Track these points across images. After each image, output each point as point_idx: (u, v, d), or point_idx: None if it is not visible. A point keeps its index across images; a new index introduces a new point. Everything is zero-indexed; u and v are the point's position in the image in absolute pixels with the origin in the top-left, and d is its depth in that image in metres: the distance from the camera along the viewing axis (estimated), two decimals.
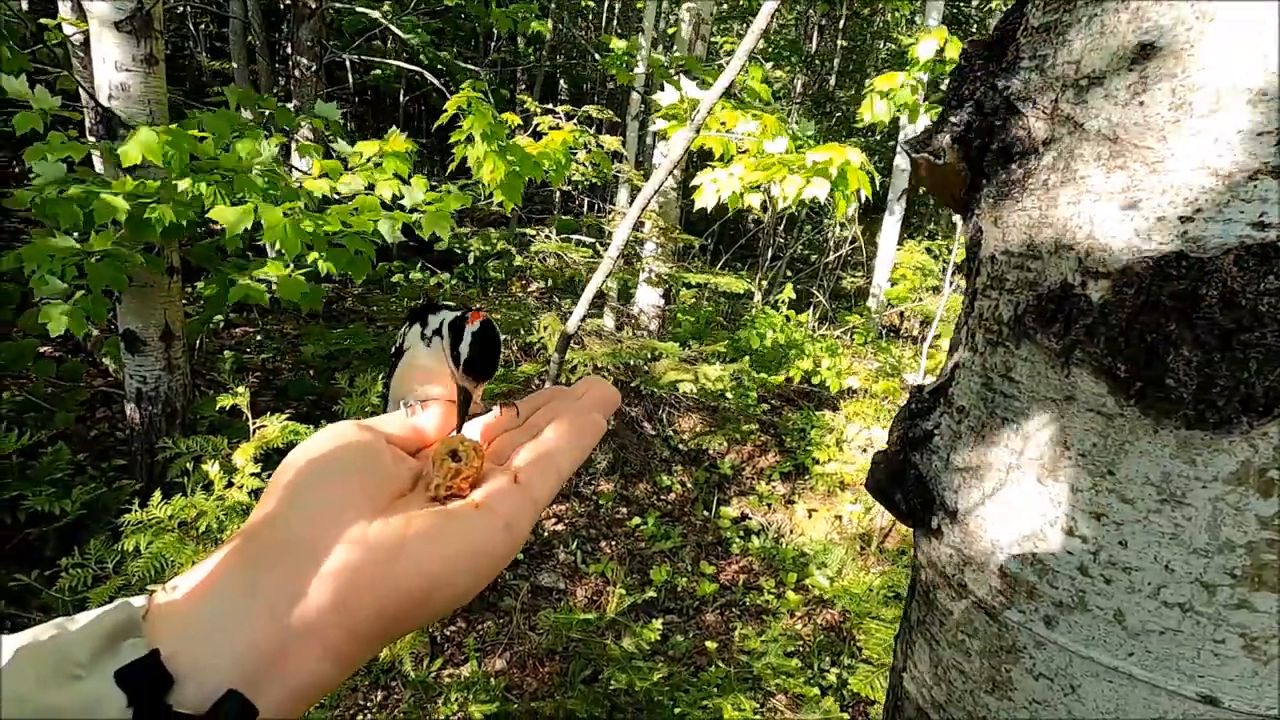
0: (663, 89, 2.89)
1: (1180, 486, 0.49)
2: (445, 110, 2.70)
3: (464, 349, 0.49)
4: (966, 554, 0.62)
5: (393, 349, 0.59)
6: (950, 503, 0.64)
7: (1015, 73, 0.59)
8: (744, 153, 2.73)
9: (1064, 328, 0.53)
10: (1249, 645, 0.49)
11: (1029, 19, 0.59)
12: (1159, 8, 0.48)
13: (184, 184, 2.17)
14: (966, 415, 0.63)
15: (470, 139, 2.62)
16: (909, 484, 0.68)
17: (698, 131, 2.79)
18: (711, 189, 2.70)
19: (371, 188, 2.57)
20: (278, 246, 2.16)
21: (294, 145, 3.43)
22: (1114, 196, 0.51)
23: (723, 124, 2.76)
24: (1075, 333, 0.52)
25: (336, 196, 2.58)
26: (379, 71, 7.12)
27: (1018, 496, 0.58)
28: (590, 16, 10.60)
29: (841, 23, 10.01)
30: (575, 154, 3.01)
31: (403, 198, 2.58)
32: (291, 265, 2.53)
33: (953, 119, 0.63)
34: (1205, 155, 0.46)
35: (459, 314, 0.52)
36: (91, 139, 2.68)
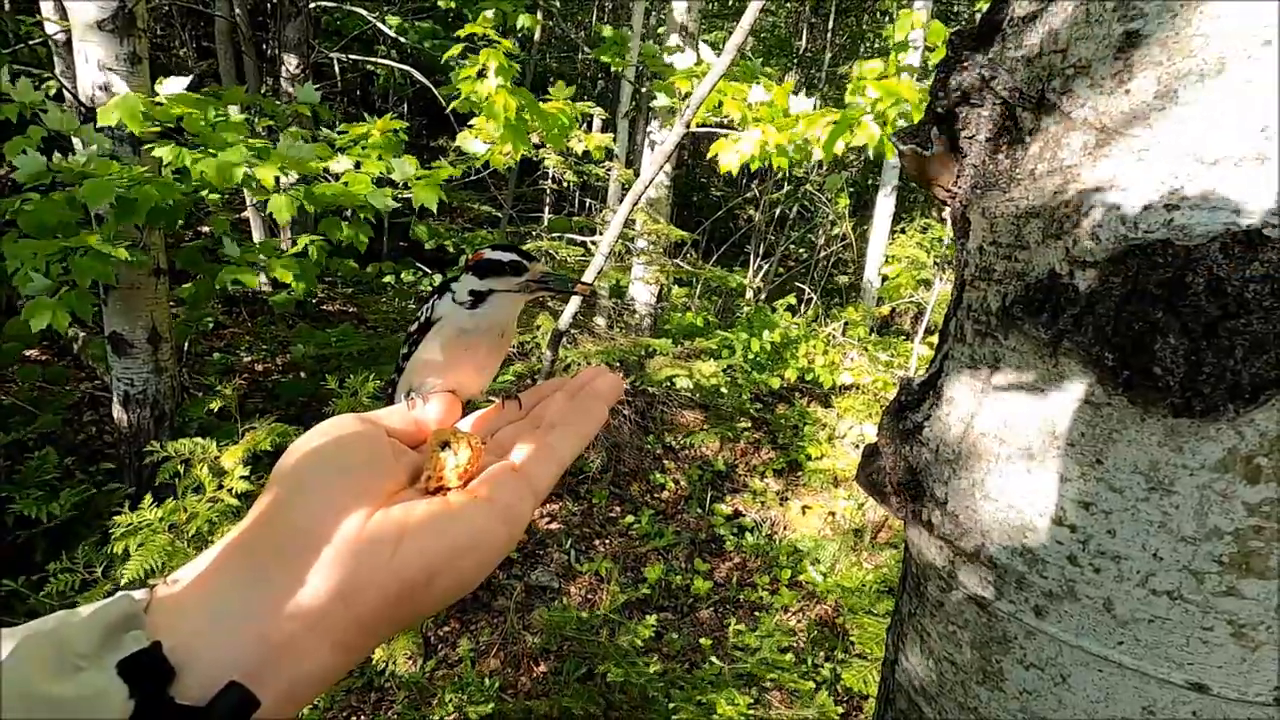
0: (656, 77, 2.88)
1: (1168, 475, 0.49)
2: (450, 52, 2.68)
3: (509, 263, 0.56)
4: (957, 545, 0.62)
5: (414, 326, 0.59)
6: (940, 494, 0.64)
7: (1002, 62, 0.59)
8: (759, 120, 2.73)
9: (1051, 317, 0.53)
10: (1237, 632, 0.49)
11: (1014, 8, 0.59)
12: None
13: (167, 153, 2.15)
14: (955, 406, 0.63)
15: (482, 73, 2.57)
16: (899, 476, 0.68)
17: (688, 126, 2.79)
18: (733, 149, 2.68)
19: (359, 166, 2.56)
20: (268, 211, 2.17)
21: (281, 137, 3.41)
22: (1100, 185, 0.51)
23: (723, 95, 2.75)
24: (1063, 322, 0.52)
25: (325, 178, 2.57)
26: (380, 76, 7.09)
27: (1007, 487, 0.58)
28: (579, 17, 10.58)
29: (831, 20, 10.03)
30: (571, 131, 3.00)
31: (391, 173, 2.58)
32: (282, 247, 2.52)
33: (940, 109, 0.63)
34: (1191, 143, 0.46)
35: (467, 271, 0.57)
36: (75, 138, 2.65)
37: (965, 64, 0.63)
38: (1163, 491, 0.49)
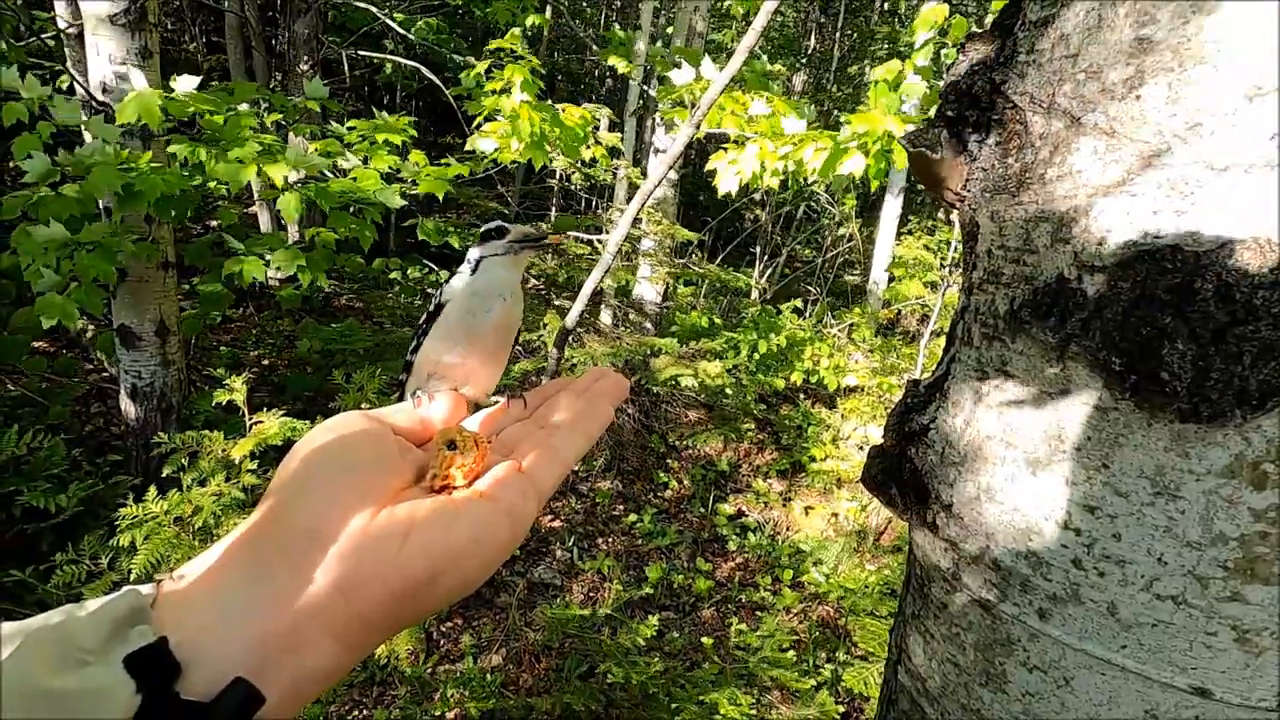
0: (661, 81, 2.89)
1: (1174, 480, 0.49)
2: (473, 70, 2.74)
3: (494, 229, 0.64)
4: (961, 547, 0.62)
5: (424, 317, 0.62)
6: (945, 496, 0.64)
7: (1012, 66, 0.59)
8: (759, 134, 2.73)
9: (1060, 321, 0.53)
10: (1241, 637, 0.49)
11: (1027, 13, 0.59)
12: (1156, 1, 0.48)
13: (182, 150, 2.18)
14: (962, 409, 0.63)
15: (505, 90, 2.63)
16: (904, 478, 0.68)
17: (698, 128, 2.79)
18: (731, 170, 2.70)
19: (367, 161, 2.58)
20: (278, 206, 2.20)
21: (290, 132, 3.42)
22: (1110, 190, 0.51)
23: (723, 110, 2.76)
24: (1071, 326, 0.52)
25: (333, 173, 2.59)
26: (388, 69, 7.12)
27: (1013, 490, 0.58)
28: (588, 15, 10.58)
29: (840, 20, 10.01)
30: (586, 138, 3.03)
31: (399, 172, 2.60)
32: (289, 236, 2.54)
33: (949, 113, 0.64)
34: (1201, 149, 0.46)
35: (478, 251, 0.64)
36: (86, 132, 2.66)
37: (976, 68, 0.63)
38: (1169, 496, 0.49)
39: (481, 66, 2.87)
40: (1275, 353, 0.44)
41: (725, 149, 2.83)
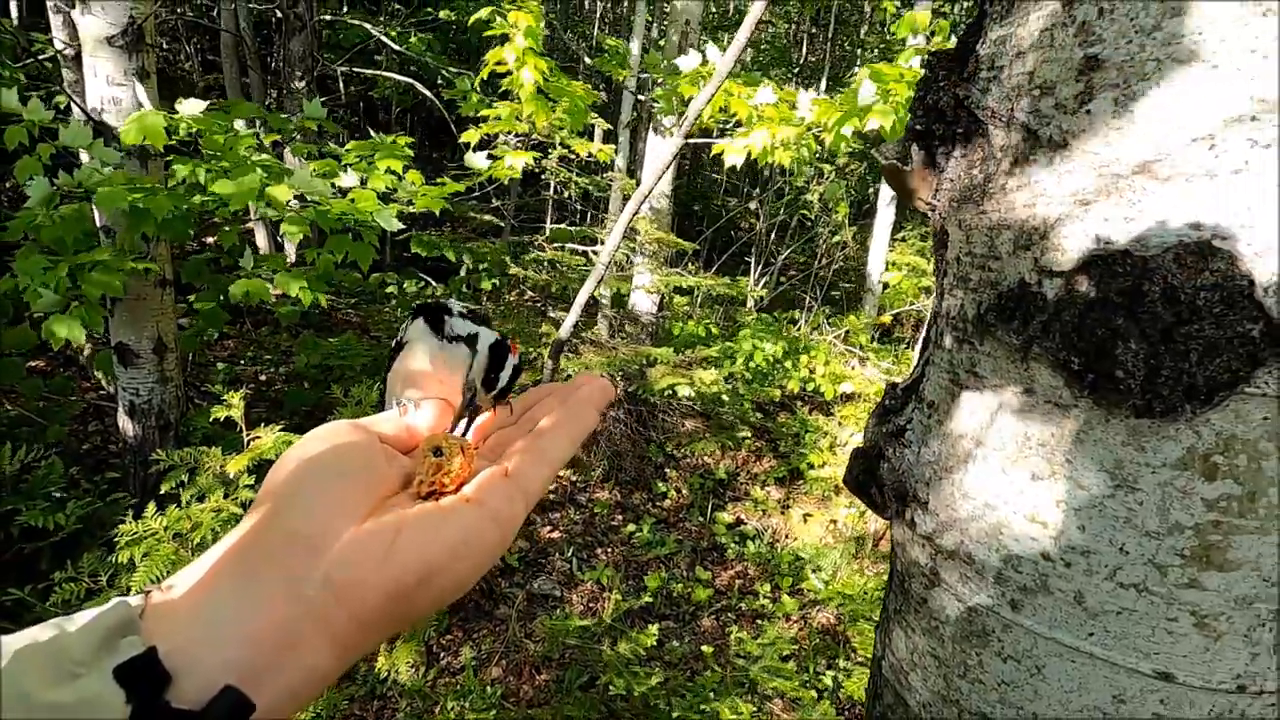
0: (656, 85, 2.93)
1: (1132, 473, 0.52)
2: (478, 14, 2.75)
3: (503, 377, 0.53)
4: (937, 543, 0.64)
5: (394, 344, 0.61)
6: (922, 494, 0.66)
7: (975, 82, 0.62)
8: (766, 119, 2.75)
9: (1022, 324, 0.56)
10: (1200, 622, 0.51)
11: (988, 32, 0.62)
12: (1102, 23, 0.51)
13: (184, 170, 2.21)
14: (936, 410, 0.66)
15: (504, 38, 2.63)
16: (883, 477, 0.71)
17: (687, 138, 2.83)
18: (739, 144, 2.71)
19: (365, 182, 2.61)
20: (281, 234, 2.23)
21: (288, 150, 3.46)
22: (1065, 199, 0.53)
23: (730, 95, 2.77)
24: (1033, 328, 0.55)
25: (333, 194, 2.63)
26: (380, 86, 7.19)
27: (984, 486, 0.60)
28: (581, 29, 10.68)
29: (831, 30, 10.12)
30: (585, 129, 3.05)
31: (396, 191, 2.63)
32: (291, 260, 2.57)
33: (918, 126, 0.66)
34: (1145, 160, 0.49)
35: (501, 339, 0.55)
36: (84, 153, 2.69)
37: (942, 84, 0.66)
38: (1127, 489, 0.52)
39: (485, 12, 2.87)
40: (1219, 351, 0.47)
41: (731, 137, 2.85)
